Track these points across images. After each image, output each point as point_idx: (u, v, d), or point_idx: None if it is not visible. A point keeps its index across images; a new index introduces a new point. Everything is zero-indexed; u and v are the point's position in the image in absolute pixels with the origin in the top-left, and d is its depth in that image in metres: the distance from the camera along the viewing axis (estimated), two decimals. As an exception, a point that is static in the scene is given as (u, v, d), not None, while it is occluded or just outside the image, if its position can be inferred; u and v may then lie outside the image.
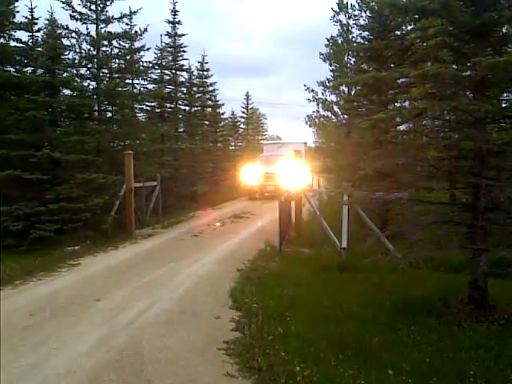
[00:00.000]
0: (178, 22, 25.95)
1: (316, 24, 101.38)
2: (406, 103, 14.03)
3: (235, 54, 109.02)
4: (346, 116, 28.64)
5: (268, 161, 28.17)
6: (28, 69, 17.05)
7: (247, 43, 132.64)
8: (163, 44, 26.18)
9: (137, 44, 21.14)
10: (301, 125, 39.03)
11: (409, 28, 13.96)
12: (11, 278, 9.79)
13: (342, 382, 4.94)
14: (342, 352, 5.82)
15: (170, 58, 26.28)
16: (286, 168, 23.09)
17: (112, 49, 19.12)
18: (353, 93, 28.18)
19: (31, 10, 16.84)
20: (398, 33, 15.08)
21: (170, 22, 25.80)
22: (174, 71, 26.14)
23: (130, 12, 19.47)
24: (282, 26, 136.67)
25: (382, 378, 5.13)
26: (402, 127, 14.41)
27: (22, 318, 7.30)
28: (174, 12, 25.73)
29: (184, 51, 26.29)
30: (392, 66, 12.91)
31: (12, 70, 17.03)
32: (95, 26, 17.94)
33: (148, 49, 21.70)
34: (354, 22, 32.58)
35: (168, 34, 25.98)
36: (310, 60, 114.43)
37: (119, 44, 20.12)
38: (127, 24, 20.91)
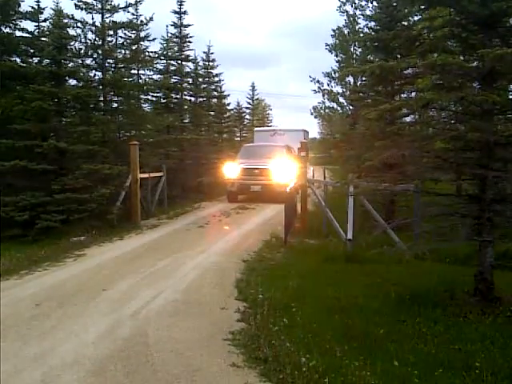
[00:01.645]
0: (184, 13, 25.82)
1: (316, 16, 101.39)
2: (413, 94, 13.97)
3: (234, 45, 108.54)
4: (351, 107, 28.61)
5: (254, 153, 22.65)
6: (34, 59, 17.05)
7: (246, 35, 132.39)
8: (169, 34, 26.14)
9: (142, 34, 21.14)
10: (302, 116, 38.52)
11: (416, 18, 13.93)
12: (17, 268, 9.82)
13: (348, 373, 4.94)
14: (348, 343, 5.82)
15: (176, 49, 26.21)
16: (279, 163, 20.84)
17: (117, 38, 19.11)
18: (359, 83, 28.14)
19: (37, 0, 16.82)
20: (405, 23, 15.01)
21: (175, 12, 25.71)
22: (179, 62, 26.07)
23: (136, 1, 19.40)
24: (281, 17, 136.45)
25: (387, 369, 5.13)
26: (408, 118, 14.36)
27: (28, 307, 7.33)
28: (180, 2, 25.64)
29: (190, 41, 26.20)
30: (399, 56, 12.88)
31: (18, 60, 17.02)
32: (100, 15, 17.91)
33: (154, 39, 21.68)
34: (360, 12, 32.53)
35: (174, 25, 25.91)
36: (310, 52, 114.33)
37: (124, 34, 20.10)
38: (133, 14, 20.91)
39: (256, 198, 20.87)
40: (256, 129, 33.39)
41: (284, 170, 19.91)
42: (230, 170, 21.56)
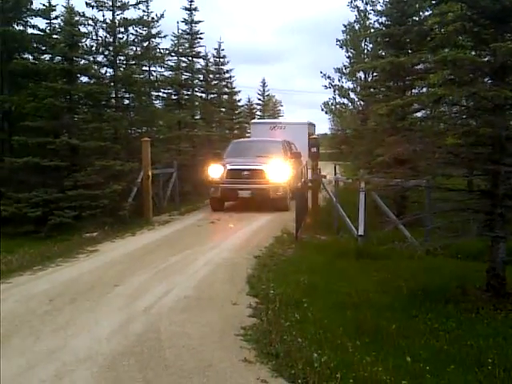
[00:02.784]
0: (195, 9, 25.86)
1: (321, 13, 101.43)
2: (424, 89, 13.91)
3: (240, 42, 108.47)
4: (362, 102, 28.53)
5: (243, 150, 18.74)
6: (45, 56, 17.14)
7: (253, 32, 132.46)
8: (179, 31, 26.17)
9: (153, 31, 21.19)
10: (311, 112, 38.09)
11: (427, 13, 13.85)
12: (30, 264, 9.89)
13: (360, 369, 4.94)
14: (359, 339, 5.82)
15: (187, 45, 26.25)
16: (273, 162, 17.26)
17: (128, 35, 19.16)
18: (370, 79, 28.06)
19: (49, -3, 16.89)
20: (417, 18, 14.94)
21: (186, 8, 25.74)
22: (190, 58, 26.11)
23: (146, -2, 19.45)
24: (288, 14, 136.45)
25: (399, 365, 5.13)
26: (420, 114, 14.30)
27: (42, 303, 7.38)
28: (191, -2, 25.66)
29: (201, 38, 26.26)
30: (410, 51, 12.84)
31: (30, 57, 17.13)
32: (111, 12, 17.97)
33: (165, 36, 21.73)
34: (371, 7, 32.37)
35: (184, 21, 25.94)
36: (316, 48, 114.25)
37: (135, 31, 20.16)
38: (143, 11, 20.95)
39: (246, 205, 17.40)
40: (253, 121, 28.64)
41: (280, 171, 17.07)
42: (215, 171, 17.42)
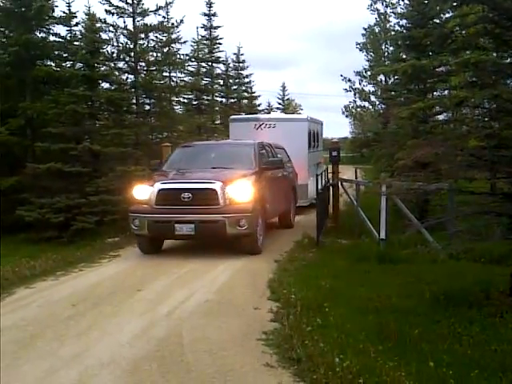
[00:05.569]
0: (214, 14, 26.03)
1: (330, 19, 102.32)
2: (446, 92, 13.84)
3: (255, 48, 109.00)
4: (383, 105, 28.41)
5: (191, 160, 12.46)
6: (67, 63, 17.35)
7: (267, 37, 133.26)
8: (199, 36, 26.32)
9: (173, 36, 21.33)
10: (325, 115, 37.98)
11: (448, 15, 13.79)
12: (53, 269, 9.99)
13: (382, 374, 4.90)
14: (382, 343, 5.78)
15: (206, 50, 26.39)
16: (235, 178, 10.90)
17: (149, 41, 19.32)
18: (390, 82, 27.95)
19: (69, 5, 17.11)
20: (438, 21, 14.86)
21: (205, 14, 25.90)
22: (210, 63, 26.24)
23: (166, 3, 19.59)
24: (295, 20, 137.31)
25: (422, 370, 5.07)
26: (442, 117, 14.22)
27: (65, 308, 7.44)
28: (210, 4, 25.80)
29: (220, 43, 26.40)
30: (431, 54, 12.78)
31: (52, 64, 17.34)
32: (132, 19, 18.12)
33: (184, 41, 21.88)
34: (391, 10, 32.30)
35: (204, 27, 26.09)
36: (325, 53, 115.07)
37: (155, 37, 20.32)
38: (163, 17, 21.11)
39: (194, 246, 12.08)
40: (232, 117, 19.91)
41: (243, 191, 10.69)
42: (141, 193, 11.08)
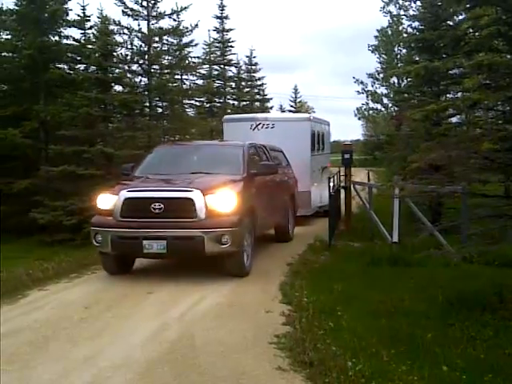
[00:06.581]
0: (226, 17, 26.08)
1: (338, 22, 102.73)
2: (459, 94, 13.76)
3: (264, 51, 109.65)
4: (396, 108, 28.32)
5: (172, 164, 10.72)
6: (80, 66, 17.46)
7: (275, 41, 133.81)
8: (211, 39, 26.38)
9: (185, 39, 21.39)
10: (335, 117, 37.78)
11: (461, 17, 13.72)
12: (67, 272, 10.03)
13: (395, 378, 4.88)
14: (394, 347, 5.75)
15: (219, 53, 26.46)
16: (216, 185, 9.07)
17: (162, 45, 19.38)
18: (403, 84, 27.86)
19: (83, 8, 17.22)
20: (451, 23, 14.80)
21: (217, 17, 25.96)
22: (222, 66, 26.29)
23: (180, 8, 19.63)
24: (304, 23, 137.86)
25: (435, 374, 5.05)
26: (455, 119, 14.15)
27: (78, 310, 7.46)
28: (222, 7, 25.86)
29: (232, 46, 26.44)
30: (444, 56, 12.73)
31: (65, 67, 17.46)
32: (146, 22, 18.19)
33: (196, 44, 21.90)
34: (404, 12, 32.20)
35: (216, 30, 26.15)
36: (335, 56, 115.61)
37: (167, 40, 20.36)
38: (175, 20, 21.16)
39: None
40: (226, 117, 18.01)
41: (225, 201, 8.86)
42: (106, 202, 9.32)
